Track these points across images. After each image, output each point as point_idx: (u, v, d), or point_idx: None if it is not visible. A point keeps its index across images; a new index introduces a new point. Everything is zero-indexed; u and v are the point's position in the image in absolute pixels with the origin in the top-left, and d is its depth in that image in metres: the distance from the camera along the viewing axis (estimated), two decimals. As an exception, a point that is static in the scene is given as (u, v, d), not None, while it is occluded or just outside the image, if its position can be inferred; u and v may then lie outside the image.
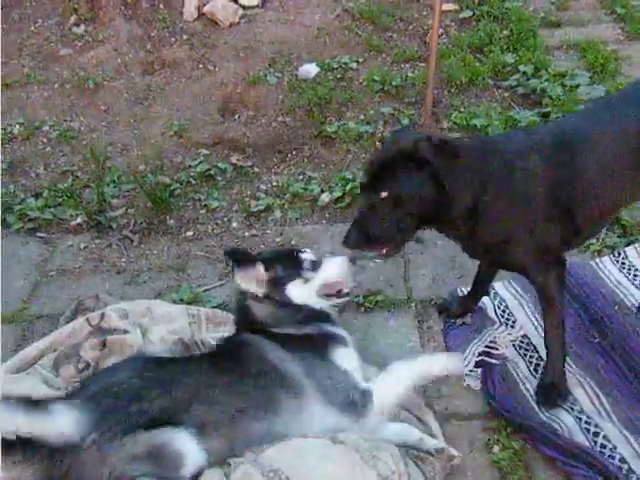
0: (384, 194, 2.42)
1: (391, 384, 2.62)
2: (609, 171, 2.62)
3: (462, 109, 4.61)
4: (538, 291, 2.74)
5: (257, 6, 5.92)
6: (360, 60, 5.26)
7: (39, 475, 2.13)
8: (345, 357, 2.63)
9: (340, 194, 4.01)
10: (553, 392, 2.77)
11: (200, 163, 4.42)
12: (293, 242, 3.75)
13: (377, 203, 2.45)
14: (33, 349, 2.92)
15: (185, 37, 5.69)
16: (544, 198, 2.55)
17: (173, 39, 5.70)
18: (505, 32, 5.27)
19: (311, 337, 2.65)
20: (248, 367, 2.51)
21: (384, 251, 2.56)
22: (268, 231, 3.85)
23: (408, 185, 2.41)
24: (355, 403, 2.54)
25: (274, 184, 4.20)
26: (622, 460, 2.49)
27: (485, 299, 3.24)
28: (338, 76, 5.08)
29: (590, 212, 2.68)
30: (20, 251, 3.89)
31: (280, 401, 2.47)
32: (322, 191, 4.08)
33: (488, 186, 2.49)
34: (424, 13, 5.70)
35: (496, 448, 2.63)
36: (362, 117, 4.66)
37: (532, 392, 2.82)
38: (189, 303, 3.33)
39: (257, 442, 2.41)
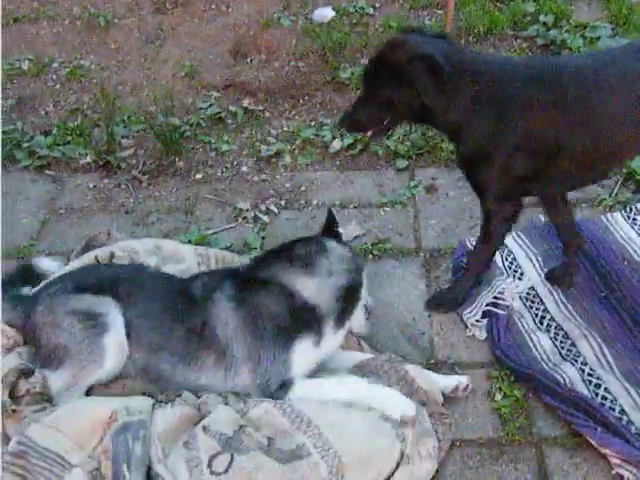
0: (373, 93, 2.68)
1: (320, 391, 2.50)
2: (617, 118, 2.59)
3: (479, 58, 4.53)
4: (483, 221, 2.86)
5: (273, -55, 5.80)
6: (377, 5, 5.14)
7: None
8: (304, 352, 2.52)
9: (352, 141, 3.97)
10: (447, 299, 3.01)
11: (211, 106, 4.38)
12: (303, 188, 3.74)
13: (369, 96, 2.69)
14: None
15: (198, -24, 5.59)
16: (533, 130, 2.58)
17: (186, -22, 5.60)
18: (527, -20, 5.14)
19: (297, 314, 2.54)
20: (197, 319, 2.58)
21: (369, 134, 2.83)
22: (278, 176, 3.83)
23: (394, 95, 2.61)
24: (271, 390, 2.49)
25: (285, 129, 4.16)
26: (622, 412, 2.52)
27: (493, 251, 3.22)
28: (354, 21, 4.97)
29: (578, 159, 2.67)
30: (29, 188, 3.89)
31: (204, 362, 2.56)
32: (334, 138, 4.04)
33: (477, 105, 2.60)
34: (444, -41, 5.57)
35: (498, 396, 2.66)
36: (377, 63, 4.58)
37: (536, 343, 2.84)
38: (197, 245, 3.32)
39: (170, 381, 2.59)
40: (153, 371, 2.59)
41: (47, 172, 3.99)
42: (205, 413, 2.42)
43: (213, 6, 5.28)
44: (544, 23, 4.70)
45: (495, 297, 2.98)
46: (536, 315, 2.97)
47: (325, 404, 2.41)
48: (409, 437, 2.35)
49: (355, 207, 3.60)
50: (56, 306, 2.58)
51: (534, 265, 3.19)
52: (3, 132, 4.21)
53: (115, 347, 2.53)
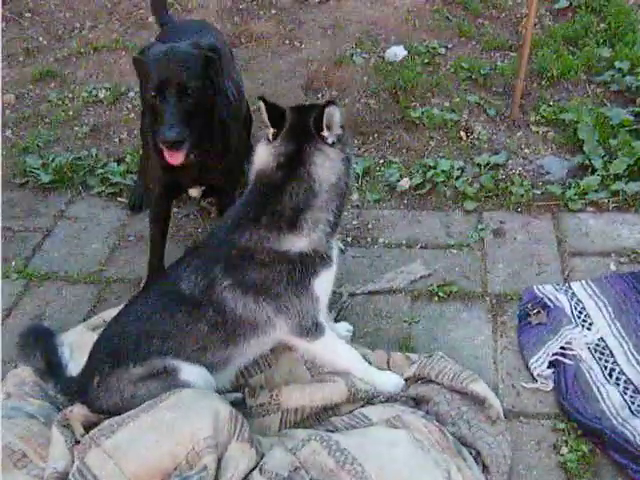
0: None
1: (339, 345, 2.78)
2: None
3: (551, 103, 4.49)
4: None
5: (348, -16, 5.88)
6: (449, 46, 5.16)
7: None
8: (323, 282, 2.59)
9: (420, 181, 3.96)
10: None
11: (281, 141, 4.41)
12: (370, 225, 3.73)
13: None
14: (114, 311, 2.96)
15: (274, 11, 5.69)
16: None
17: (262, 12, 5.70)
18: (602, 25, 5.08)
19: (304, 260, 2.51)
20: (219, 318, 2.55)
21: None
22: (345, 213, 3.82)
23: None
24: (308, 332, 2.62)
25: (354, 166, 4.16)
26: (694, 473, 2.43)
27: (562, 298, 3.16)
28: (425, 61, 4.99)
29: None
30: (100, 214, 3.97)
31: (241, 338, 2.59)
32: (401, 176, 4.03)
33: None
34: (518, 1, 5.57)
35: (564, 449, 2.59)
36: (447, 104, 4.58)
37: (605, 396, 2.75)
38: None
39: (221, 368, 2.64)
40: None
41: (119, 199, 4.07)
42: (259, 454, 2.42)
43: (287, 41, 5.37)
44: (619, 69, 4.63)
45: (562, 347, 2.93)
46: (605, 367, 2.89)
47: (368, 437, 2.42)
48: (453, 468, 2.34)
49: (421, 247, 3.58)
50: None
51: (604, 315, 3.12)
52: (78, 158, 4.33)
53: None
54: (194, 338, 2.55)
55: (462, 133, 4.33)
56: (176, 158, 2.88)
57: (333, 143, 2.48)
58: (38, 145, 4.49)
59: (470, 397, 2.67)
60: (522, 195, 3.79)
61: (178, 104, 2.82)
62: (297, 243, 2.47)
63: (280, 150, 2.46)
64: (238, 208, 2.60)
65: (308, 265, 2.51)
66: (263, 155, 2.51)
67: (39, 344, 2.75)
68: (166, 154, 2.89)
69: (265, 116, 2.48)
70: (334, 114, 2.43)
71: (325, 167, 2.45)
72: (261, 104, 2.47)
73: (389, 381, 2.77)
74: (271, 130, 2.50)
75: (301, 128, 2.47)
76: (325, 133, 2.45)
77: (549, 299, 3.16)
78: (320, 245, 2.51)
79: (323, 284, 2.58)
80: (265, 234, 2.46)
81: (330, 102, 2.42)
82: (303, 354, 2.79)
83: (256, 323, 2.55)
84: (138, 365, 2.50)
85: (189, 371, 2.52)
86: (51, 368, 2.70)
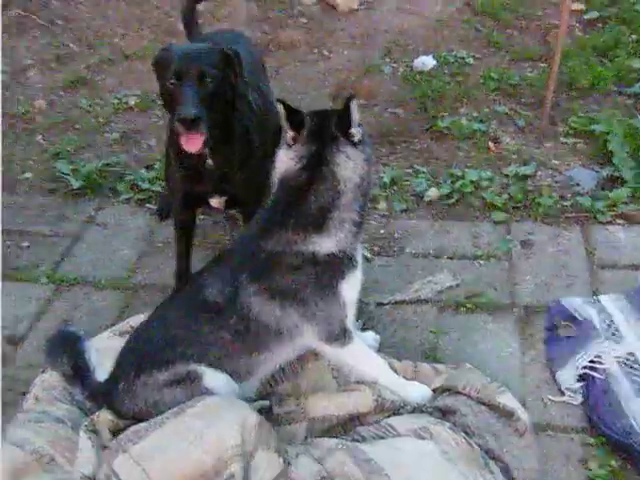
0: None
1: (368, 353, 2.77)
2: None
3: (581, 114, 4.47)
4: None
5: (377, -6, 5.90)
6: (478, 56, 5.17)
7: None
8: (351, 286, 2.57)
9: (448, 191, 3.95)
10: None
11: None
12: (397, 235, 3.72)
13: None
14: (141, 317, 2.98)
15: (303, 20, 5.72)
16: None
17: (290, 21, 5.74)
18: (633, 36, 5.07)
19: (331, 261, 2.49)
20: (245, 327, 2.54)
21: None
22: (372, 222, 3.82)
23: None
24: (336, 338, 2.60)
25: (382, 175, 4.16)
26: None
27: (591, 311, 3.13)
28: (454, 70, 5.00)
29: None
30: (129, 221, 3.99)
31: (267, 346, 2.58)
32: (429, 186, 4.02)
33: None
34: (548, 11, 5.55)
35: (593, 464, 2.56)
36: (475, 114, 4.57)
37: (634, 411, 2.70)
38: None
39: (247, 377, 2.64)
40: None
41: (147, 206, 4.09)
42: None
43: (315, 50, 5.40)
44: (650, 80, 4.62)
45: (592, 360, 2.90)
46: (634, 382, 2.84)
47: (395, 448, 2.40)
48: None
49: (449, 258, 3.56)
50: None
51: (633, 329, 3.09)
52: (107, 164, 4.37)
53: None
54: (218, 345, 2.55)
55: (490, 143, 4.31)
56: (193, 144, 2.81)
57: (359, 141, 2.47)
58: (68, 151, 4.53)
59: (498, 409, 2.65)
60: (551, 206, 3.77)
61: (197, 88, 2.79)
62: (325, 244, 2.47)
63: (302, 153, 2.45)
64: (264, 214, 2.60)
65: (335, 267, 2.50)
66: (285, 159, 2.50)
67: (67, 349, 2.76)
68: (183, 140, 2.83)
69: (285, 120, 2.48)
70: (355, 110, 2.42)
71: (348, 167, 2.44)
72: (280, 107, 2.46)
73: (416, 392, 2.75)
74: (291, 133, 2.50)
75: (322, 130, 2.46)
76: (354, 130, 2.44)
77: (577, 312, 3.13)
78: (347, 246, 2.50)
79: (350, 288, 2.57)
80: (293, 237, 2.46)
81: (351, 97, 2.41)
82: (330, 361, 2.79)
83: (282, 330, 2.55)
84: (162, 371, 2.51)
85: (213, 377, 2.52)
86: (78, 373, 2.70)
